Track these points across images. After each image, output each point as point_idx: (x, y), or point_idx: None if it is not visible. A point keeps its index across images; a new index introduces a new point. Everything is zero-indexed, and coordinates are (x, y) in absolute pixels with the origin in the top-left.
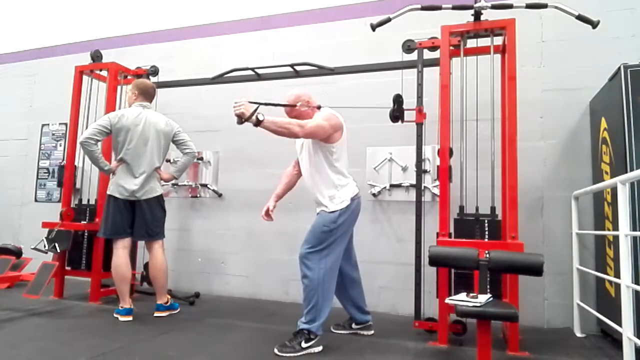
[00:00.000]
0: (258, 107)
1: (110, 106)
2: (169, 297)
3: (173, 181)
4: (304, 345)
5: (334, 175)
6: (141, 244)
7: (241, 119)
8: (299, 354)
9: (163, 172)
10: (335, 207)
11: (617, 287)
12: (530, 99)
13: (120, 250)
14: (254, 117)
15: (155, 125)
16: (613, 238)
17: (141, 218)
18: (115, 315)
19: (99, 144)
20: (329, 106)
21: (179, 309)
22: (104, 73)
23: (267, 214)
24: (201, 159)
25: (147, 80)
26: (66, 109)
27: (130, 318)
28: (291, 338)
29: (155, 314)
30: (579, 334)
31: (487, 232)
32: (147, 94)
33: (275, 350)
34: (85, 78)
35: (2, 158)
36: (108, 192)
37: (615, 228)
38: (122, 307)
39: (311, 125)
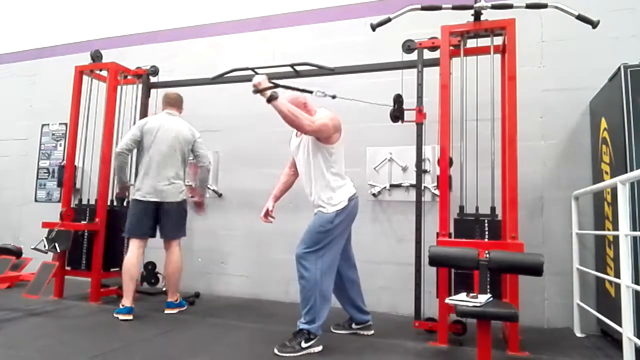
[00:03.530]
0: (274, 86)
1: (111, 106)
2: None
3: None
4: (304, 345)
5: (332, 177)
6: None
7: (256, 88)
8: (299, 354)
9: (196, 193)
10: (333, 208)
11: (617, 287)
12: (530, 99)
13: (136, 250)
14: (268, 92)
15: (177, 131)
16: (613, 238)
17: (165, 220)
18: (115, 315)
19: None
20: (327, 106)
21: (186, 307)
22: (104, 73)
23: (267, 215)
24: None
25: (172, 91)
26: (66, 109)
27: (131, 317)
28: (291, 338)
29: (166, 311)
30: (579, 334)
31: (487, 232)
32: (170, 102)
33: (275, 350)
34: (85, 78)
35: (2, 158)
36: (132, 197)
37: (615, 228)
38: (123, 305)
39: (319, 124)
